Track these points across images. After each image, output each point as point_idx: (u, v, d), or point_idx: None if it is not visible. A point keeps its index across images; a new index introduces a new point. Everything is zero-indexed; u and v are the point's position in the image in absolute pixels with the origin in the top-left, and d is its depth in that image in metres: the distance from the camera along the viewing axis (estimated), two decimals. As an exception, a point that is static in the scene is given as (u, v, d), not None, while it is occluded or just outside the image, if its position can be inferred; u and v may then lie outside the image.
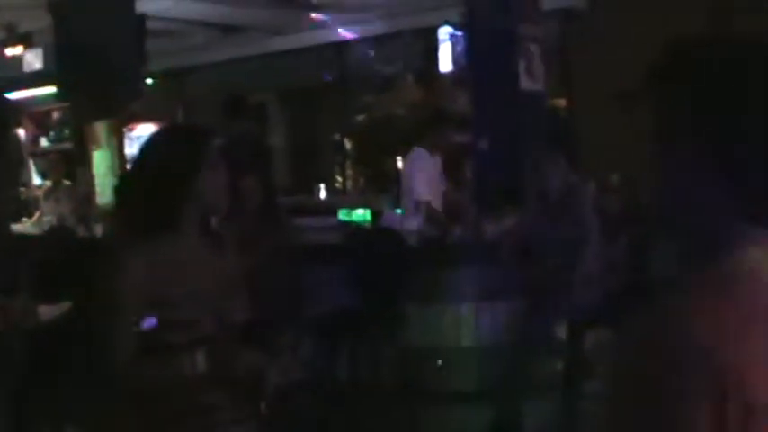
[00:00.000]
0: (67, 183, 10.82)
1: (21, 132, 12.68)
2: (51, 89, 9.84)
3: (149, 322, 2.62)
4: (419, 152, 7.37)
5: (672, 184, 1.42)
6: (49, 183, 11.13)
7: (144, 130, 11.48)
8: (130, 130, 11.43)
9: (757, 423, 1.26)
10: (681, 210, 1.42)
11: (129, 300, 2.65)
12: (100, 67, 8.60)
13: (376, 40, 11.18)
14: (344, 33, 11.16)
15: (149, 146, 2.84)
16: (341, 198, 10.85)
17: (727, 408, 1.24)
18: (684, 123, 1.39)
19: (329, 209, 9.12)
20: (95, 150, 11.07)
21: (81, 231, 8.88)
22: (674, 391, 1.25)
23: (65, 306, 5.03)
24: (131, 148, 11.30)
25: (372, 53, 11.53)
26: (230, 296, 2.78)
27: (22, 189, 11.42)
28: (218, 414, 2.74)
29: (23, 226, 9.96)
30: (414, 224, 7.18)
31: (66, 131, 12.09)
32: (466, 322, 6.61)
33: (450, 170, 8.12)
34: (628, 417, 1.31)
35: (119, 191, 6.03)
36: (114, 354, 2.66)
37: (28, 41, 9.97)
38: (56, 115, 12.30)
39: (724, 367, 1.25)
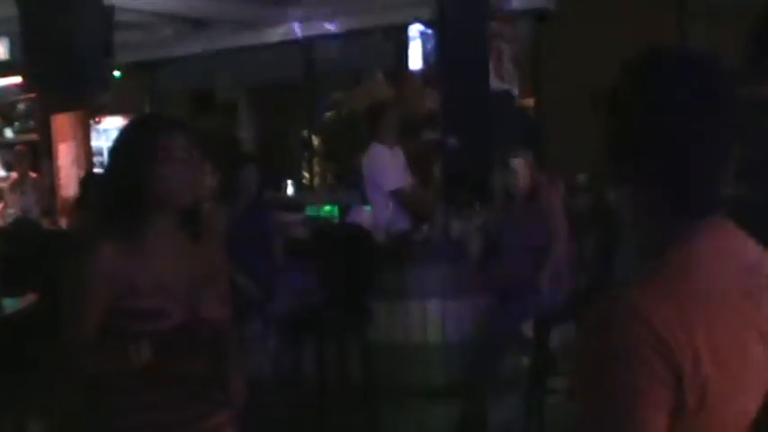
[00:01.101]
0: (33, 175, 10.73)
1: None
2: (17, 79, 9.75)
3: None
4: (376, 148, 7.36)
5: (622, 187, 1.52)
6: (13, 174, 11.03)
7: (111, 123, 11.41)
8: (97, 122, 11.35)
9: (703, 406, 1.33)
10: (631, 209, 1.48)
11: (95, 288, 2.63)
12: (67, 59, 8.53)
13: (346, 37, 11.17)
14: (314, 29, 11.14)
15: (116, 137, 2.85)
16: (308, 194, 10.85)
17: (665, 373, 1.31)
18: (628, 131, 1.49)
19: (297, 204, 9.11)
20: (61, 142, 10.98)
21: (46, 224, 8.80)
22: (631, 366, 1.30)
23: (30, 298, 5.01)
24: (98, 141, 11.23)
25: (342, 50, 11.52)
26: (202, 288, 2.75)
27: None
28: (186, 406, 2.73)
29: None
30: (381, 220, 7.18)
31: (32, 123, 11.97)
32: (432, 319, 6.63)
33: (419, 167, 8.12)
34: (589, 397, 1.36)
35: (88, 182, 6.02)
36: (78, 342, 2.64)
37: (-7, 32, 9.86)
38: (21, 106, 12.18)
39: (671, 352, 1.31)
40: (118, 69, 10.16)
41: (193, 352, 2.68)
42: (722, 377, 1.34)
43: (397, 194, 7.23)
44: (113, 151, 2.82)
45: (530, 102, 10.31)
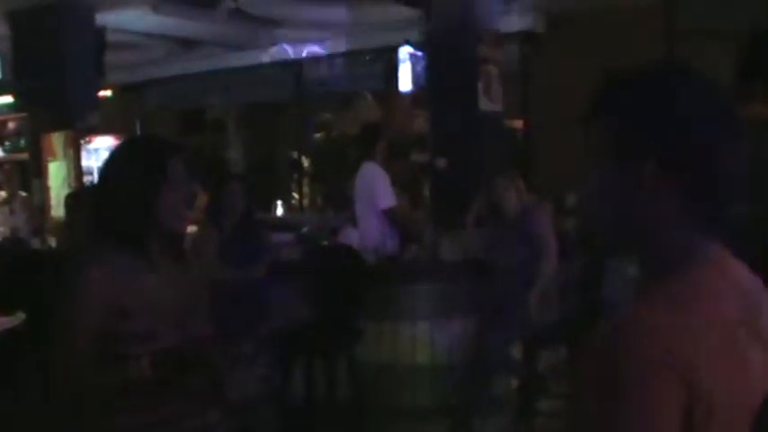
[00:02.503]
0: (23, 194, 10.71)
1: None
2: (8, 99, 9.75)
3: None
4: (370, 166, 7.39)
5: (620, 206, 1.50)
6: (3, 193, 11.00)
7: (101, 143, 11.40)
8: (88, 142, 11.33)
9: (705, 408, 1.33)
10: (635, 231, 1.49)
11: (86, 310, 2.62)
12: (57, 78, 8.56)
13: (335, 58, 11.22)
14: (304, 51, 11.19)
15: (112, 157, 2.82)
16: (298, 214, 10.86)
17: (677, 392, 1.31)
18: (626, 149, 1.47)
19: (286, 225, 9.13)
20: (51, 162, 10.98)
21: (35, 243, 8.78)
22: (645, 383, 1.31)
23: (18, 318, 5.00)
24: (88, 161, 11.21)
25: (331, 71, 11.57)
26: (192, 310, 2.76)
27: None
28: (175, 425, 2.72)
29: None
30: (371, 240, 7.20)
31: (23, 142, 11.96)
32: (421, 339, 6.63)
33: (408, 188, 8.15)
34: (602, 415, 1.36)
35: (80, 202, 6.02)
36: (69, 363, 2.64)
37: (-16, 51, 9.86)
38: (12, 125, 12.17)
39: (683, 366, 1.32)
40: (109, 89, 10.19)
41: (186, 371, 2.67)
42: (729, 392, 1.36)
43: (389, 213, 7.25)
44: (116, 171, 2.77)
45: (518, 123, 10.37)
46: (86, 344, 2.62)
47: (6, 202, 10.56)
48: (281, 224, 9.47)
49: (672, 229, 1.46)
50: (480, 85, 8.18)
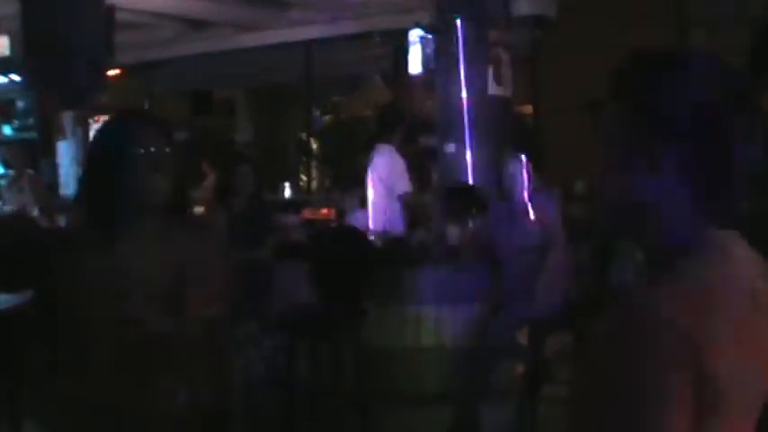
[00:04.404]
0: (31, 172, 10.72)
1: (-17, 120, 12.58)
2: (17, 77, 9.75)
3: None
4: (387, 149, 7.39)
5: (631, 191, 1.48)
6: (12, 172, 11.02)
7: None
8: (96, 121, 11.34)
9: (717, 395, 1.33)
10: (646, 216, 1.48)
11: (76, 294, 2.60)
12: (67, 57, 8.55)
13: (346, 41, 11.19)
14: (314, 32, 11.16)
15: (94, 135, 2.83)
16: (305, 196, 10.86)
17: (690, 378, 1.31)
18: (640, 133, 1.46)
19: (294, 207, 9.13)
20: (60, 140, 10.98)
21: (43, 221, 8.80)
22: (657, 368, 1.30)
23: (26, 295, 5.00)
24: (96, 140, 11.19)
25: (341, 53, 11.54)
26: (188, 288, 2.65)
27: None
28: (174, 410, 2.66)
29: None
30: (379, 223, 7.21)
31: (31, 120, 11.97)
32: (427, 323, 6.64)
33: (416, 172, 8.14)
34: (613, 401, 1.35)
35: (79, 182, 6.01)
36: (64, 347, 2.63)
37: (-6, 29, 9.88)
38: (21, 104, 12.19)
39: (694, 351, 1.31)
40: (118, 69, 10.19)
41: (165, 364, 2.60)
42: (741, 377, 1.35)
43: (404, 198, 7.27)
44: (90, 149, 2.79)
45: (528, 108, 10.35)
46: (80, 327, 2.60)
47: (15, 180, 10.58)
48: (288, 205, 9.48)
49: (683, 215, 1.45)
50: (490, 70, 8.15)
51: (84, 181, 2.74)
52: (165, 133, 2.68)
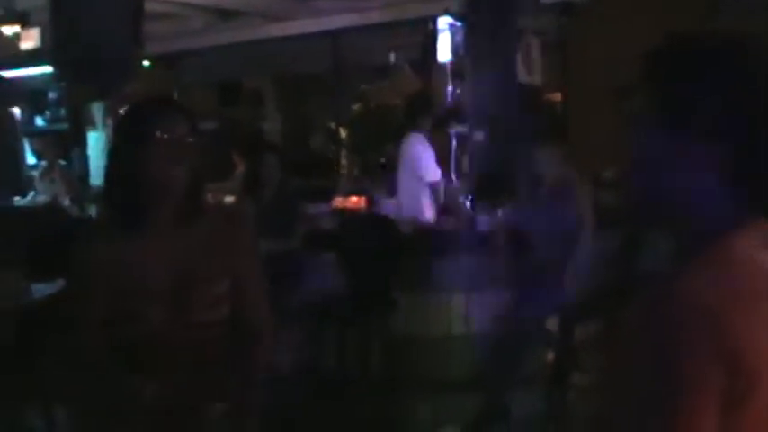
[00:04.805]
0: (62, 163, 10.80)
1: (16, 111, 12.67)
2: (47, 69, 9.81)
3: None
4: (416, 137, 7.40)
5: (661, 176, 1.47)
6: (44, 163, 11.11)
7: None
8: (126, 111, 11.40)
9: (748, 383, 1.31)
10: (676, 201, 1.46)
11: (87, 286, 2.60)
12: (96, 48, 8.58)
13: (374, 29, 11.16)
14: (342, 21, 11.13)
15: (116, 123, 2.80)
16: (335, 185, 10.85)
17: (723, 367, 1.29)
18: (671, 118, 1.44)
19: (323, 196, 9.13)
20: (90, 131, 11.04)
21: (75, 211, 8.88)
22: (686, 353, 1.29)
23: (59, 284, 5.04)
24: (126, 130, 11.24)
25: (370, 41, 11.51)
26: (195, 287, 2.58)
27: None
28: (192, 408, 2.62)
29: (18, 205, 9.96)
30: (409, 211, 7.20)
31: (62, 111, 12.05)
32: (456, 311, 6.63)
33: (445, 160, 8.13)
34: (641, 386, 1.34)
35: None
36: (79, 338, 2.63)
37: (25, 20, 9.92)
38: (51, 95, 12.27)
39: (725, 338, 1.30)
40: (147, 59, 10.22)
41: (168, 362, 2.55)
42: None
43: (434, 186, 7.28)
44: (112, 136, 2.75)
45: (557, 96, 10.28)
46: (95, 319, 2.58)
47: (47, 171, 10.66)
48: (317, 194, 9.48)
49: (713, 201, 1.43)
50: (519, 57, 8.11)
51: (105, 169, 2.66)
52: (187, 121, 2.58)
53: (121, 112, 10.98)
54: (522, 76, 8.11)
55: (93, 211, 8.56)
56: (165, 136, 2.50)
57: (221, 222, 2.71)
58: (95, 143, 11.08)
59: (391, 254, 6.25)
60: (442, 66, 9.58)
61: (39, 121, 12.52)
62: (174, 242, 2.59)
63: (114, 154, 2.62)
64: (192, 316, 2.55)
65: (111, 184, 2.62)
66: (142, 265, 2.55)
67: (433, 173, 7.35)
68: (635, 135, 1.51)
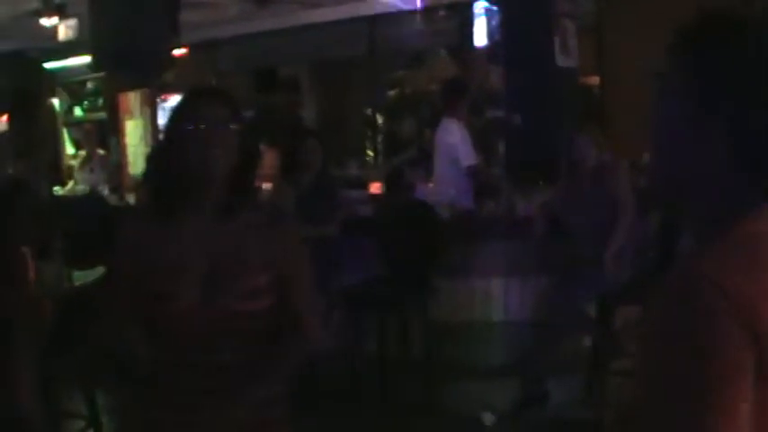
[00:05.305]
0: (101, 152, 10.90)
1: (55, 102, 12.80)
2: (86, 59, 9.89)
3: None
4: (452, 122, 7.39)
5: (688, 157, 1.44)
6: (83, 152, 11.21)
7: (176, 101, 11.51)
8: (163, 100, 11.47)
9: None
10: (701, 183, 1.44)
11: (120, 265, 2.64)
12: (133, 38, 8.63)
13: (410, 14, 11.12)
14: (378, 6, 11.11)
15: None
16: (372, 172, 10.85)
17: (751, 348, 1.26)
18: (699, 98, 1.41)
19: (360, 182, 9.14)
20: (128, 120, 11.13)
21: (114, 200, 8.96)
22: (712, 337, 1.27)
23: (99, 272, 5.10)
24: (164, 119, 11.33)
25: (406, 27, 11.47)
26: (231, 276, 2.57)
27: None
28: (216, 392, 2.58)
29: (57, 195, 10.06)
30: (447, 197, 7.19)
31: (100, 101, 12.16)
32: (496, 296, 6.62)
33: (483, 145, 8.11)
34: (668, 371, 1.32)
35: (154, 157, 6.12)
36: (107, 320, 2.66)
37: (63, 12, 9.99)
38: (89, 85, 12.37)
39: (751, 319, 1.27)
40: (183, 48, 10.26)
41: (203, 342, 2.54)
42: None
43: (471, 171, 7.27)
44: (164, 126, 2.79)
45: (594, 79, 10.20)
46: (125, 301, 2.63)
47: (86, 161, 10.77)
48: (354, 181, 9.49)
49: (736, 184, 1.40)
50: (557, 40, 8.06)
51: (153, 157, 2.76)
52: (229, 109, 2.59)
53: (166, 102, 11.03)
54: (560, 59, 8.05)
55: (131, 199, 8.62)
56: (207, 125, 2.53)
57: (266, 217, 2.71)
58: (133, 132, 11.17)
59: (429, 239, 6.25)
60: (479, 50, 9.55)
61: (77, 111, 12.63)
62: (213, 230, 2.59)
63: (162, 142, 2.74)
64: (228, 304, 2.54)
65: (155, 171, 2.71)
66: (179, 248, 2.57)
67: (470, 158, 7.33)
68: (659, 114, 1.49)
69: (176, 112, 2.66)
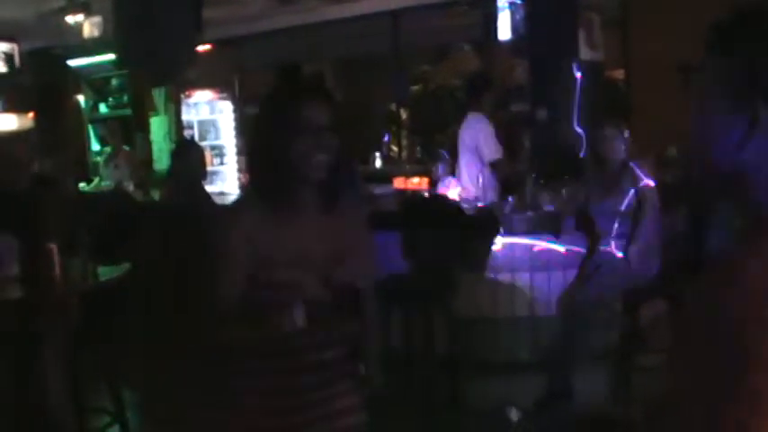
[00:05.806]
0: (126, 148, 10.94)
1: (80, 99, 12.86)
2: (110, 56, 9.93)
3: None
4: (477, 117, 7.37)
5: (729, 149, 1.42)
6: (108, 149, 11.27)
7: (201, 97, 11.56)
8: (187, 96, 11.51)
9: None
10: (744, 175, 1.42)
11: (237, 256, 2.67)
12: (157, 35, 8.66)
13: (433, 9, 11.09)
14: (401, 1, 11.09)
15: (260, 107, 2.84)
16: (396, 167, 10.85)
17: None
18: (744, 89, 1.39)
19: (384, 177, 9.13)
20: (153, 116, 11.17)
21: (139, 196, 8.99)
22: (751, 334, 1.25)
23: (124, 267, 5.12)
24: (188, 115, 11.37)
25: (429, 22, 11.45)
26: (337, 260, 2.75)
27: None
28: (320, 374, 2.78)
29: (83, 191, 10.12)
30: (471, 192, 7.18)
31: (125, 98, 12.20)
32: (520, 291, 6.60)
33: (508, 140, 8.08)
34: (705, 368, 1.30)
35: (179, 153, 6.15)
36: (215, 311, 2.68)
37: (88, 9, 10.04)
38: (114, 82, 12.42)
39: None
40: (207, 44, 10.28)
41: (335, 322, 2.71)
42: None
43: (495, 165, 7.25)
44: (256, 122, 2.83)
45: (619, 73, 10.15)
46: (237, 292, 2.68)
47: (112, 157, 10.82)
48: (378, 176, 9.49)
49: None
50: (582, 34, 8.02)
51: (251, 152, 2.85)
52: (331, 108, 2.72)
53: (190, 98, 11.02)
54: (585, 53, 8.01)
55: (156, 195, 8.65)
56: (316, 126, 2.65)
57: (357, 207, 3.04)
58: (158, 128, 11.21)
59: (453, 234, 6.23)
60: (503, 45, 9.51)
61: (102, 108, 12.68)
62: (323, 222, 2.76)
63: (261, 138, 2.78)
64: (341, 287, 2.72)
65: (260, 169, 2.76)
66: (297, 240, 2.70)
67: (495, 153, 7.32)
68: (701, 108, 1.47)
69: (275, 109, 2.74)
